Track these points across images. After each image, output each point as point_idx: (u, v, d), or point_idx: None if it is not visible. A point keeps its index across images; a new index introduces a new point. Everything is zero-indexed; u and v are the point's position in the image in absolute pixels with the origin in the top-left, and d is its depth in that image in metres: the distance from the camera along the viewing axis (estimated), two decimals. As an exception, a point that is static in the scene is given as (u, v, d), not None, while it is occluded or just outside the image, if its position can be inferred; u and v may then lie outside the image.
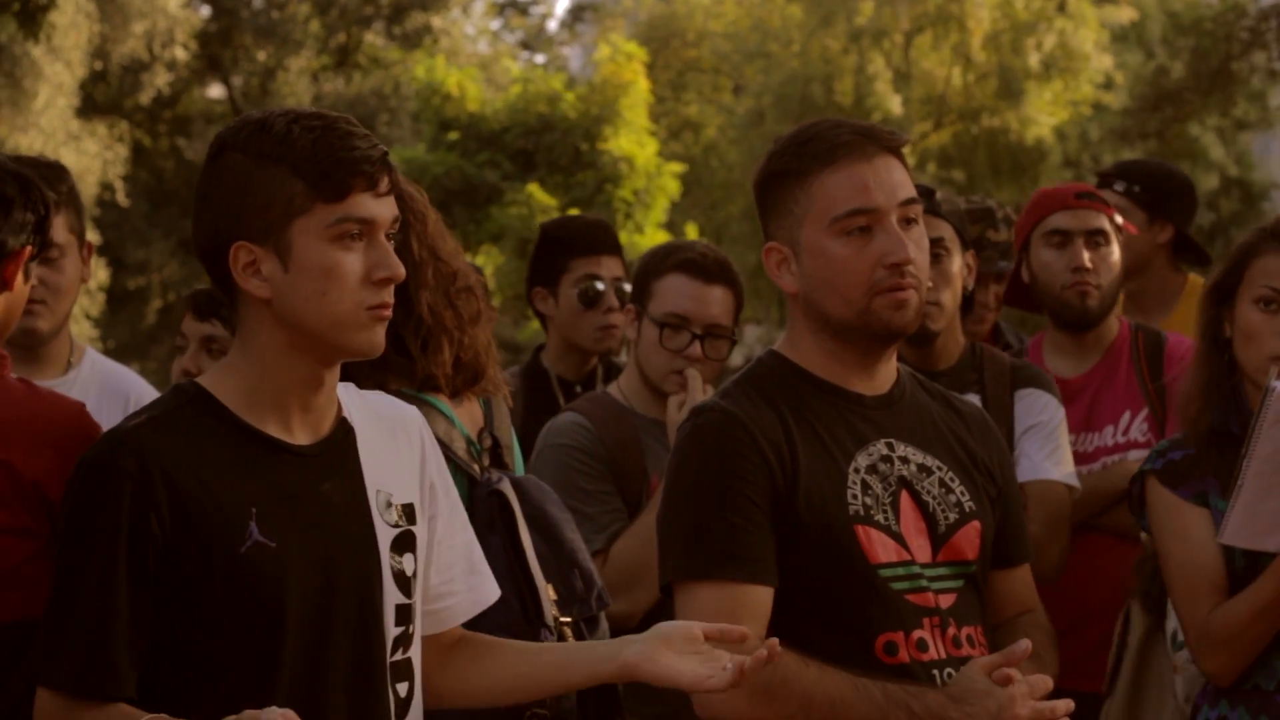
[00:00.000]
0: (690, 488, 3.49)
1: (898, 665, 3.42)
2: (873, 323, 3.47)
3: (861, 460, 3.50)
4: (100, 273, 27.93)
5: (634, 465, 4.75)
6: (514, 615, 3.68)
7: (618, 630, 4.17)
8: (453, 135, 25.84)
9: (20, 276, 3.41)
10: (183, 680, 2.93)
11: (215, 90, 38.62)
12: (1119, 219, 5.33)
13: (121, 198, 30.72)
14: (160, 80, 33.81)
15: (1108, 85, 33.60)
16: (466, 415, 3.89)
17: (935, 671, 3.44)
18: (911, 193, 3.49)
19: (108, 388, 4.67)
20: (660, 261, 4.86)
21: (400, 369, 3.73)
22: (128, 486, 2.88)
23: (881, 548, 3.46)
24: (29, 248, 3.41)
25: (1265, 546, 3.80)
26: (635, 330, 4.86)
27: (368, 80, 35.87)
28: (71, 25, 27.66)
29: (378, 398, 3.24)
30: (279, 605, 2.93)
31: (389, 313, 3.00)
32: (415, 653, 3.15)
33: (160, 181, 35.77)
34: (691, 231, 27.59)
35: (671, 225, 27.82)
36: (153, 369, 31.77)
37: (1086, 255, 5.14)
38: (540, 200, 24.48)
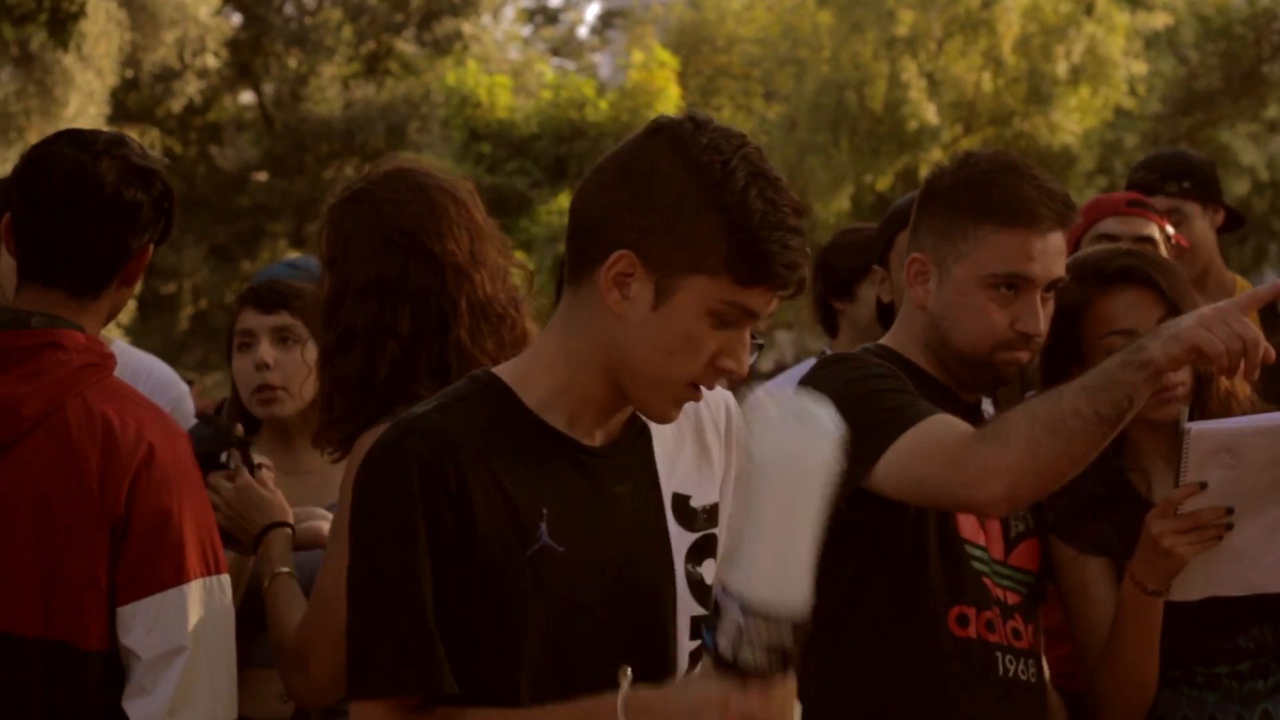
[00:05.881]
0: None
1: (965, 639, 3.50)
2: (985, 371, 3.58)
3: None
4: (132, 279, 27.99)
5: None
6: None
7: None
8: (484, 148, 25.84)
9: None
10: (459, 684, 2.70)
11: (246, 97, 38.78)
12: (1170, 230, 5.33)
13: (153, 205, 30.83)
14: (191, 88, 33.98)
15: (1134, 92, 33.56)
16: None
17: (998, 654, 3.52)
18: (1063, 272, 3.57)
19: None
20: None
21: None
22: (420, 471, 2.67)
23: (966, 525, 3.55)
24: (151, 244, 3.44)
25: (1220, 591, 3.63)
26: None
27: (399, 87, 35.99)
28: (102, 33, 27.80)
29: None
30: (560, 614, 2.72)
31: (700, 397, 2.80)
32: None
33: (192, 188, 35.92)
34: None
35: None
36: (184, 375, 31.80)
37: None
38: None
